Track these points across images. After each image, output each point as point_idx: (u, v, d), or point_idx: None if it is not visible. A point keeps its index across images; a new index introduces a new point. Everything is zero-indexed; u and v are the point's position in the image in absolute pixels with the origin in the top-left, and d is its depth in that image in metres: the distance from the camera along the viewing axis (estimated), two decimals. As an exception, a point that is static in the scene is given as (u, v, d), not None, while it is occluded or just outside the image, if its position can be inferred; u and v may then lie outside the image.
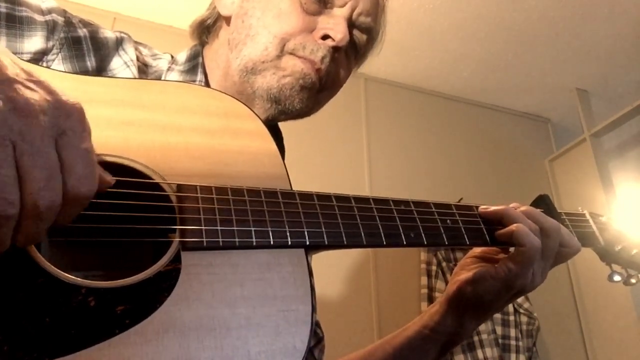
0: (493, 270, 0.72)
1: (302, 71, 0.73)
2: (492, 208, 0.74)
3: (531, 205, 0.83)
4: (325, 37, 0.74)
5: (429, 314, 0.80)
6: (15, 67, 0.40)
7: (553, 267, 0.76)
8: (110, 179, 0.47)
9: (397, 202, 0.67)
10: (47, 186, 0.39)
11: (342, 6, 0.76)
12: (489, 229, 0.73)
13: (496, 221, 0.73)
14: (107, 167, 0.50)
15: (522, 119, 3.07)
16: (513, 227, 0.70)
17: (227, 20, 0.80)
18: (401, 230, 0.64)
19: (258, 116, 0.64)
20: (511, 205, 0.78)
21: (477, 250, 0.81)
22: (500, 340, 2.06)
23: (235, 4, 0.79)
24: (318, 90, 0.76)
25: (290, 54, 0.73)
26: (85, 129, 0.43)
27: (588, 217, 0.86)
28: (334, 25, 0.74)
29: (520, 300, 2.19)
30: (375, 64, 2.77)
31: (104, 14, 2.23)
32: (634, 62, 2.65)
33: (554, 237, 0.72)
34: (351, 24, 0.77)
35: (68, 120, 0.41)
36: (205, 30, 0.84)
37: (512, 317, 2.14)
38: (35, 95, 0.40)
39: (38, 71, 0.43)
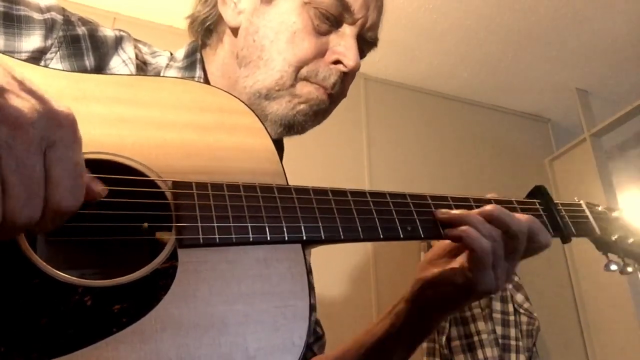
0: (452, 277, 0.69)
1: (317, 98, 0.75)
2: (453, 212, 0.68)
3: (527, 196, 0.81)
4: (336, 61, 0.75)
5: (396, 312, 0.78)
6: (6, 76, 0.39)
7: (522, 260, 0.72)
8: (101, 189, 0.46)
9: (394, 196, 0.67)
10: (27, 204, 0.38)
11: (353, 24, 0.76)
12: None
13: (456, 226, 0.68)
14: (102, 166, 0.50)
15: (522, 119, 3.07)
16: (463, 230, 0.66)
17: (234, 30, 0.79)
18: (398, 224, 0.64)
19: (253, 111, 0.64)
20: (512, 199, 0.77)
21: (445, 241, 0.75)
22: (500, 340, 2.05)
23: (243, 16, 0.78)
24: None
25: (304, 79, 0.75)
26: (76, 140, 0.42)
27: (584, 206, 0.84)
28: (345, 49, 0.75)
29: (520, 300, 2.19)
30: (375, 64, 2.79)
31: (104, 14, 2.23)
32: (634, 62, 2.65)
33: (521, 238, 0.68)
34: (359, 38, 0.78)
35: (59, 131, 0.40)
36: (207, 32, 0.83)
37: (512, 317, 2.14)
38: (26, 105, 0.38)
39: (32, 72, 0.42)
